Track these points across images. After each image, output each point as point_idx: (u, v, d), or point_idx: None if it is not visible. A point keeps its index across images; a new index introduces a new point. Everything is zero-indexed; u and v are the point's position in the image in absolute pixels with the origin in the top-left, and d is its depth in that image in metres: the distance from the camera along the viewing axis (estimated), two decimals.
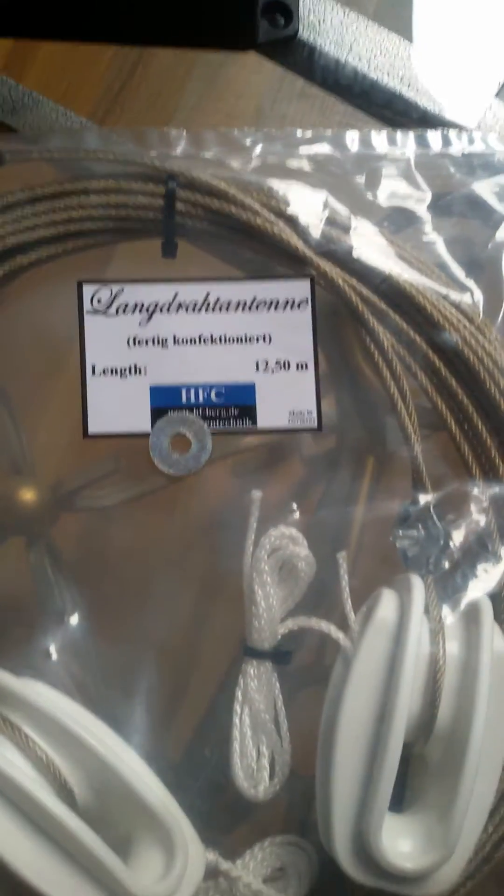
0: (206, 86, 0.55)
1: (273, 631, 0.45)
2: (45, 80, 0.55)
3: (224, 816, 0.46)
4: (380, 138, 0.49)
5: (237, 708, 0.45)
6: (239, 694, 0.45)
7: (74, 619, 0.47)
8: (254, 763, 0.45)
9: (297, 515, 0.48)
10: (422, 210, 0.48)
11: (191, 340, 0.47)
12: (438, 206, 0.48)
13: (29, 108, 0.54)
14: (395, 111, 0.53)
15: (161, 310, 0.47)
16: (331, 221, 0.47)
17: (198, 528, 0.49)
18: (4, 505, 0.50)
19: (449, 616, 0.43)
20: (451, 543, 0.44)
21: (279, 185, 0.47)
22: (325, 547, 0.46)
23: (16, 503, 0.50)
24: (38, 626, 0.47)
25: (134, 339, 0.47)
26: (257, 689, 0.45)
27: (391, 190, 0.48)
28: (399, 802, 0.42)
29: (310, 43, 0.54)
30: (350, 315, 0.46)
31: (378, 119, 0.53)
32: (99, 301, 0.47)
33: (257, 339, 0.48)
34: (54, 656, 0.46)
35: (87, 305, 0.47)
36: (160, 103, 0.54)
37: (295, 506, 0.48)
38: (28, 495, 0.50)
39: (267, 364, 0.47)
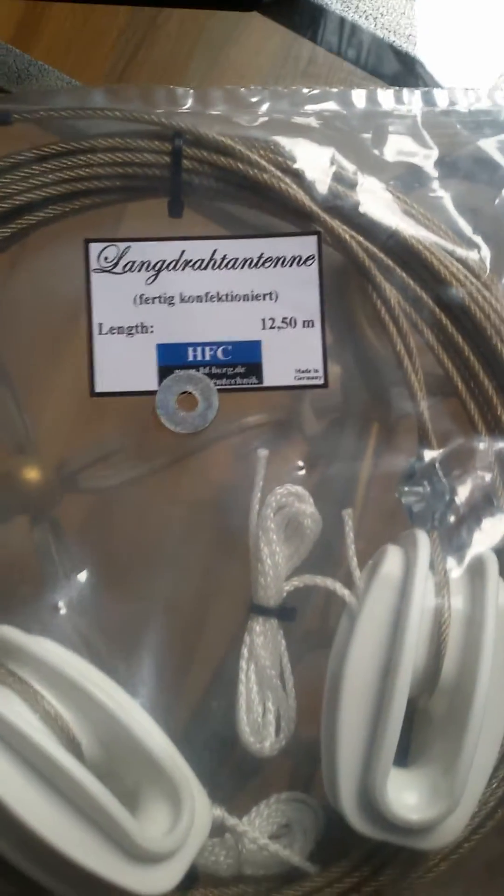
0: (211, 58, 0.55)
1: (279, 588, 0.45)
2: (53, 51, 0.55)
3: (230, 775, 0.47)
4: (386, 96, 0.48)
5: (243, 664, 0.45)
6: (245, 650, 0.45)
7: (83, 577, 0.47)
8: (260, 718, 0.45)
9: (302, 473, 0.48)
10: (429, 167, 0.48)
11: (197, 298, 0.47)
12: (445, 164, 0.48)
13: (34, 77, 0.55)
14: (400, 70, 0.53)
15: (168, 267, 0.47)
16: (337, 177, 0.46)
17: (205, 487, 0.49)
18: (10, 483, 0.50)
19: (454, 570, 0.43)
20: (457, 499, 0.44)
21: (286, 142, 0.47)
22: (331, 505, 0.46)
23: (21, 478, 0.50)
24: (46, 584, 0.47)
25: (141, 297, 0.47)
26: (263, 645, 0.45)
27: (398, 147, 0.48)
28: (403, 757, 0.43)
29: (315, 2, 0.54)
30: (356, 271, 0.46)
31: (383, 79, 0.53)
32: (106, 259, 0.47)
33: (264, 297, 0.47)
34: (62, 611, 0.47)
35: (93, 263, 0.47)
36: (166, 77, 0.54)
37: (301, 463, 0.48)
38: (32, 472, 0.50)
39: (273, 321, 0.47)
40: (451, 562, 0.43)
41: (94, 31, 0.56)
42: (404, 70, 0.53)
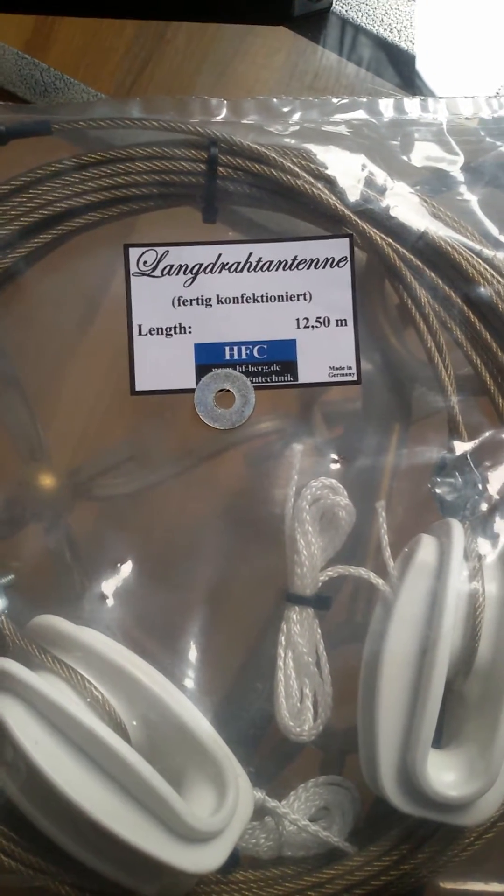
0: (218, 73, 0.57)
1: (314, 578, 0.47)
2: (62, 67, 0.56)
3: (267, 760, 0.48)
4: (412, 104, 0.50)
5: (281, 652, 0.46)
6: (282, 638, 0.47)
7: (127, 567, 0.48)
8: (298, 704, 0.46)
9: (337, 466, 0.49)
10: (455, 171, 0.50)
11: (234, 299, 0.49)
12: (470, 169, 0.50)
13: (61, 90, 0.56)
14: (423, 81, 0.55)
15: (205, 270, 0.49)
16: (368, 183, 0.48)
17: (242, 480, 0.50)
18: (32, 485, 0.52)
19: (487, 557, 0.44)
20: (488, 488, 0.46)
21: (317, 149, 0.49)
22: (362, 498, 0.48)
23: (39, 484, 0.51)
24: (90, 573, 0.48)
25: (179, 300, 0.49)
26: (300, 633, 0.47)
27: (425, 153, 0.50)
28: (437, 739, 0.43)
29: (341, 15, 0.56)
30: (387, 272, 0.48)
31: (405, 90, 0.55)
32: (145, 263, 0.49)
33: (298, 297, 0.49)
34: (109, 602, 0.48)
35: (133, 267, 0.49)
36: (174, 92, 0.55)
37: (335, 457, 0.49)
38: (49, 480, 0.51)
39: (307, 321, 0.49)
40: (483, 549, 0.44)
41: (103, 46, 0.57)
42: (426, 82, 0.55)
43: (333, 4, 0.55)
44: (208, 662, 0.48)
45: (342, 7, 0.57)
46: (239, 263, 0.49)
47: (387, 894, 0.45)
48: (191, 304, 0.49)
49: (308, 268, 0.49)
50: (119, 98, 0.54)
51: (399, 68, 0.56)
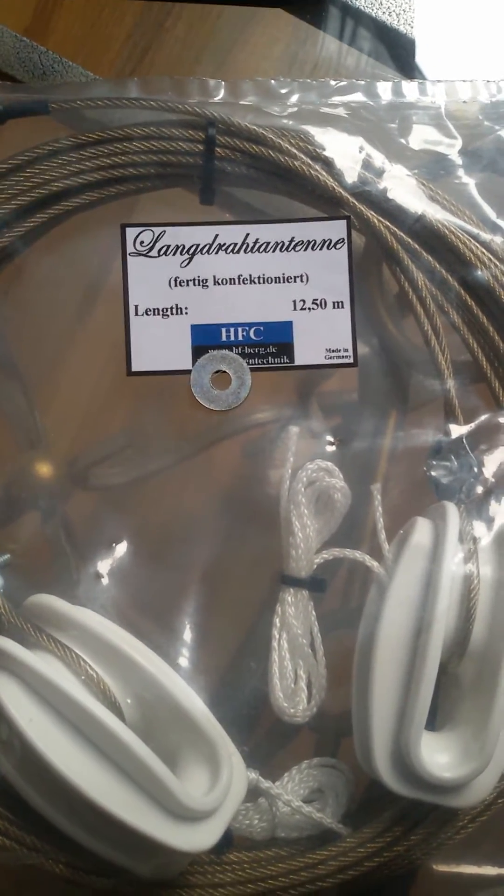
0: (218, 61, 0.56)
1: (309, 560, 0.47)
2: (61, 54, 0.56)
3: (260, 742, 0.48)
4: (411, 87, 0.50)
5: (275, 633, 0.47)
6: (277, 620, 0.47)
7: (123, 547, 0.48)
8: (292, 685, 0.46)
9: (332, 449, 0.49)
10: (453, 155, 0.50)
11: (230, 280, 0.49)
12: (469, 152, 0.50)
13: (59, 73, 0.56)
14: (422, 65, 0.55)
15: (202, 251, 0.49)
16: (365, 165, 0.48)
17: (237, 462, 0.50)
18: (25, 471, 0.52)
19: (482, 540, 0.44)
20: (484, 471, 0.46)
21: (315, 131, 0.49)
22: (358, 480, 0.48)
23: (36, 472, 0.51)
24: (86, 554, 0.48)
25: (175, 280, 0.49)
26: (294, 615, 0.47)
27: (423, 136, 0.50)
28: (431, 722, 0.43)
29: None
30: (384, 255, 0.48)
31: (403, 73, 0.55)
32: (142, 243, 0.49)
33: (295, 279, 0.49)
34: (105, 582, 0.48)
35: (130, 247, 0.49)
36: (176, 75, 0.55)
37: (331, 439, 0.49)
38: (46, 466, 0.51)
39: (304, 303, 0.49)
40: (478, 532, 0.44)
41: (102, 34, 0.57)
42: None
43: None
44: (203, 642, 0.48)
45: None
46: (236, 244, 0.49)
47: (380, 876, 0.45)
48: (187, 284, 0.49)
49: (305, 249, 0.49)
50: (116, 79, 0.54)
51: (398, 52, 0.56)
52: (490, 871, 0.47)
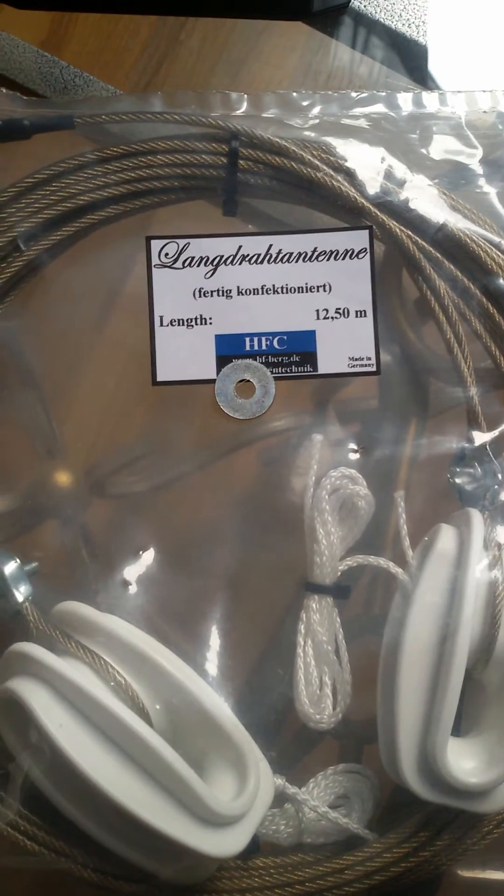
0: (232, 74, 0.57)
1: (334, 567, 0.47)
2: (77, 67, 0.57)
3: (285, 749, 0.48)
4: (431, 98, 0.51)
5: (300, 640, 0.47)
6: (302, 627, 0.47)
7: (149, 555, 0.49)
8: (318, 692, 0.47)
9: (356, 457, 0.50)
10: (474, 165, 0.50)
11: (254, 291, 0.50)
12: (489, 162, 0.50)
13: (80, 87, 0.57)
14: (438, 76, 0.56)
15: (226, 262, 0.50)
16: (387, 175, 0.49)
17: (262, 469, 0.51)
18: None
19: None
20: None
21: (337, 143, 0.49)
22: (381, 488, 0.48)
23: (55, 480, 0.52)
24: (112, 561, 0.49)
25: (200, 291, 0.50)
26: (319, 622, 0.47)
27: (444, 146, 0.50)
28: (456, 727, 0.44)
29: (358, 11, 0.56)
30: (406, 264, 0.49)
31: (417, 82, 0.56)
32: (166, 255, 0.50)
33: (318, 289, 0.50)
34: (131, 589, 0.48)
35: (154, 259, 0.50)
36: (191, 87, 0.55)
37: (354, 447, 0.50)
38: (65, 475, 0.52)
39: (327, 312, 0.50)
40: (502, 539, 0.45)
41: (117, 47, 0.58)
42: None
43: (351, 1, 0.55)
44: (229, 649, 0.48)
45: (359, 3, 0.57)
46: (259, 255, 0.50)
47: (406, 881, 0.45)
48: (211, 295, 0.50)
49: (328, 259, 0.50)
50: (140, 93, 0.54)
51: (411, 61, 0.56)
52: None
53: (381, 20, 0.57)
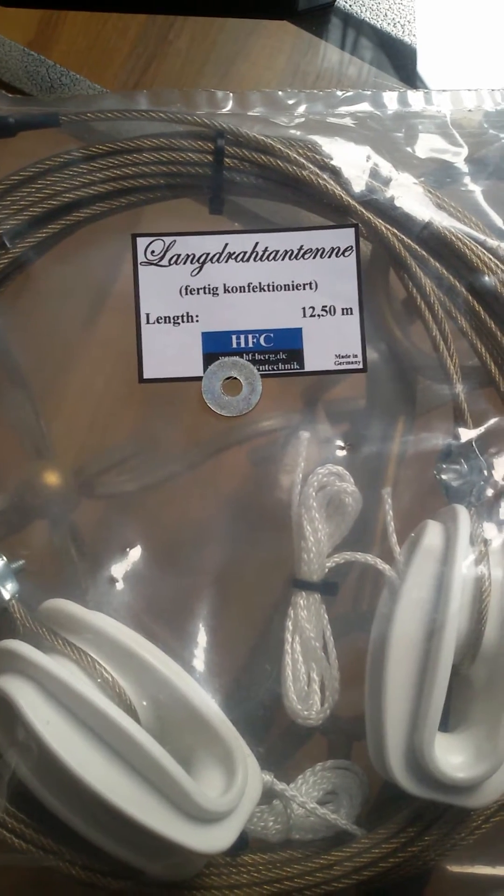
0: (221, 74, 0.57)
1: (321, 564, 0.47)
2: (69, 60, 0.57)
3: (273, 746, 0.48)
4: (416, 97, 0.51)
5: (288, 637, 0.47)
6: (289, 624, 0.47)
7: (136, 552, 0.49)
8: (305, 687, 0.47)
9: (343, 454, 0.50)
10: (459, 163, 0.50)
11: (240, 288, 0.50)
12: (474, 160, 0.50)
13: (67, 86, 0.57)
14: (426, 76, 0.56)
15: (212, 260, 0.50)
16: (373, 174, 0.49)
17: (249, 467, 0.51)
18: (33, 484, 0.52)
19: (493, 542, 0.45)
20: (493, 474, 0.46)
21: (323, 141, 0.50)
22: (368, 485, 0.48)
23: (44, 481, 0.52)
24: (99, 559, 0.49)
25: (186, 289, 0.50)
26: (307, 618, 0.47)
27: (429, 145, 0.50)
28: (443, 723, 0.44)
29: (344, 10, 0.56)
30: (392, 262, 0.49)
31: (405, 82, 0.56)
32: (153, 253, 0.50)
33: (304, 286, 0.50)
34: (118, 586, 0.48)
35: (141, 257, 0.50)
36: (179, 87, 0.55)
37: (341, 444, 0.50)
38: (53, 475, 0.52)
39: (314, 309, 0.50)
40: (489, 534, 0.45)
41: (106, 47, 0.57)
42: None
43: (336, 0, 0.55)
44: (217, 645, 0.48)
45: (345, 2, 0.57)
46: (245, 253, 0.50)
47: (394, 877, 0.45)
48: (198, 293, 0.50)
49: (314, 257, 0.50)
50: (126, 91, 0.54)
51: (400, 61, 0.57)
52: None
53: (368, 20, 0.57)
